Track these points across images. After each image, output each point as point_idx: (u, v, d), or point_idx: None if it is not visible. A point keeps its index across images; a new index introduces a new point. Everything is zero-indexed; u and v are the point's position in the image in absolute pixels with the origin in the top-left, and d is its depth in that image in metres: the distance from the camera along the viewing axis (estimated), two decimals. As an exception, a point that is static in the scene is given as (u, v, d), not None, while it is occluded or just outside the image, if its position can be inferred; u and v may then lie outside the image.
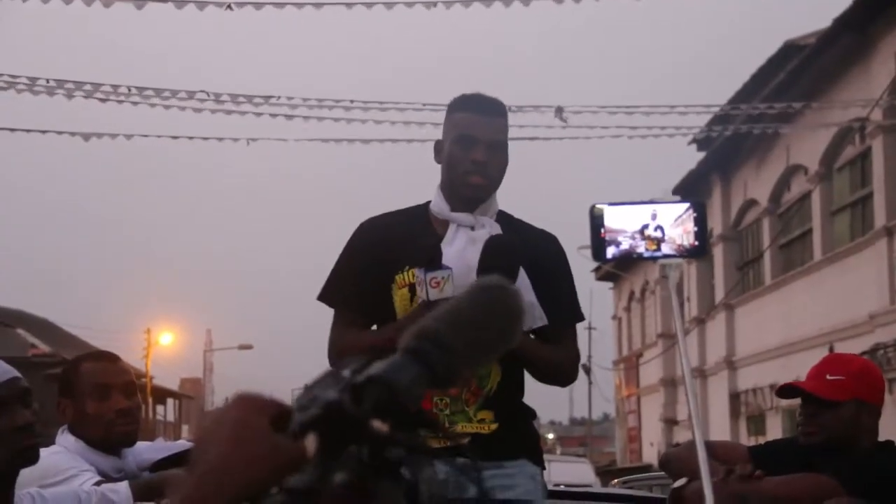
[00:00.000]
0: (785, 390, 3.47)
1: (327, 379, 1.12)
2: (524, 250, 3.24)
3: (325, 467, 1.07)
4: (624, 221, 2.78)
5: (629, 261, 2.84)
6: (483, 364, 1.26)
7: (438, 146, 3.41)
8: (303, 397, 1.11)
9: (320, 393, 1.11)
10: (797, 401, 3.51)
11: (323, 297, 3.43)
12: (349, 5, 12.10)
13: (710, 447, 3.48)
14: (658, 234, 2.77)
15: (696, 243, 2.77)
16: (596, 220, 2.79)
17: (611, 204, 2.80)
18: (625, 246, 2.79)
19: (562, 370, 3.41)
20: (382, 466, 1.08)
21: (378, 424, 1.08)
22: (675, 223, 2.76)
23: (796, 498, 2.98)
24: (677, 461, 3.05)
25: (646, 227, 2.77)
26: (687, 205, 2.82)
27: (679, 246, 2.77)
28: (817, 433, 3.30)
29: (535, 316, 3.29)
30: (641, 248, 2.79)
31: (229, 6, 11.70)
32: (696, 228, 2.77)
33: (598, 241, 2.79)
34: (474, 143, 3.27)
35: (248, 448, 1.09)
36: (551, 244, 3.40)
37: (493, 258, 3.07)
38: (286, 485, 1.09)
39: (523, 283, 3.23)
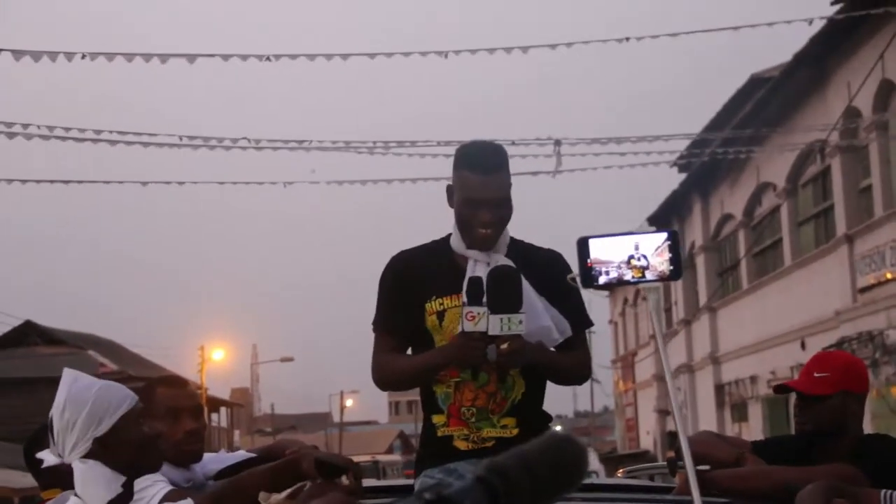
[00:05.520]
0: (780, 388, 3.55)
1: (412, 500, 1.15)
2: (536, 272, 3.29)
3: None
4: (609, 252, 2.83)
5: (613, 286, 2.87)
6: (543, 503, 1.24)
7: (450, 191, 3.40)
8: None
9: None
10: (776, 391, 3.62)
11: (373, 325, 3.48)
12: (371, 56, 12.18)
13: (722, 438, 3.57)
14: (643, 262, 2.83)
15: (672, 268, 2.82)
16: (582, 252, 2.84)
17: (595, 236, 2.85)
18: (614, 274, 2.83)
19: (577, 373, 3.46)
20: None
21: None
22: (655, 252, 2.82)
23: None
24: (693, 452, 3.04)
25: (632, 256, 2.82)
26: (665, 235, 2.86)
27: (660, 272, 2.83)
28: (809, 423, 3.36)
29: (561, 331, 3.34)
30: (629, 275, 2.83)
31: (268, 58, 11.77)
32: (670, 255, 2.82)
33: (586, 270, 2.84)
34: (480, 205, 3.27)
35: None
36: (557, 261, 3.43)
37: (496, 286, 3.12)
38: None
39: (537, 305, 3.28)
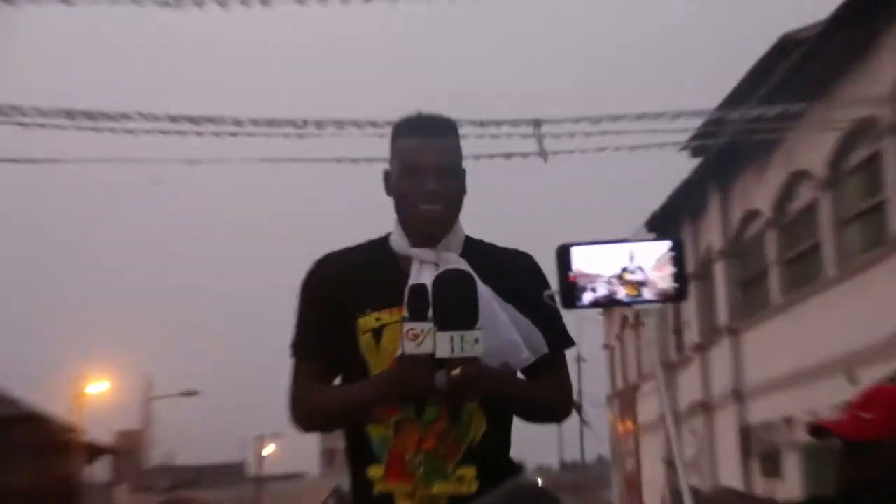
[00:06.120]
0: (817, 431, 3.52)
1: None
2: (499, 277, 3.27)
3: None
4: (598, 264, 2.84)
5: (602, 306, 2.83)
6: None
7: (387, 176, 3.42)
8: None
9: None
10: (811, 434, 3.58)
11: (292, 347, 3.45)
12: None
13: (747, 498, 3.58)
14: (639, 277, 2.84)
15: (677, 286, 2.84)
16: (563, 263, 2.85)
17: (579, 244, 2.85)
18: (602, 291, 2.85)
19: (553, 406, 3.41)
20: None
21: None
22: (655, 265, 2.84)
23: None
24: None
25: (626, 269, 2.84)
26: (668, 244, 2.88)
27: (661, 290, 2.85)
28: (854, 477, 3.34)
29: (532, 348, 3.29)
30: (621, 293, 2.85)
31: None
32: (675, 270, 2.84)
33: (567, 287, 2.85)
34: (421, 172, 3.29)
35: None
36: (525, 265, 3.40)
37: (444, 295, 3.07)
38: None
39: (499, 317, 3.25)
